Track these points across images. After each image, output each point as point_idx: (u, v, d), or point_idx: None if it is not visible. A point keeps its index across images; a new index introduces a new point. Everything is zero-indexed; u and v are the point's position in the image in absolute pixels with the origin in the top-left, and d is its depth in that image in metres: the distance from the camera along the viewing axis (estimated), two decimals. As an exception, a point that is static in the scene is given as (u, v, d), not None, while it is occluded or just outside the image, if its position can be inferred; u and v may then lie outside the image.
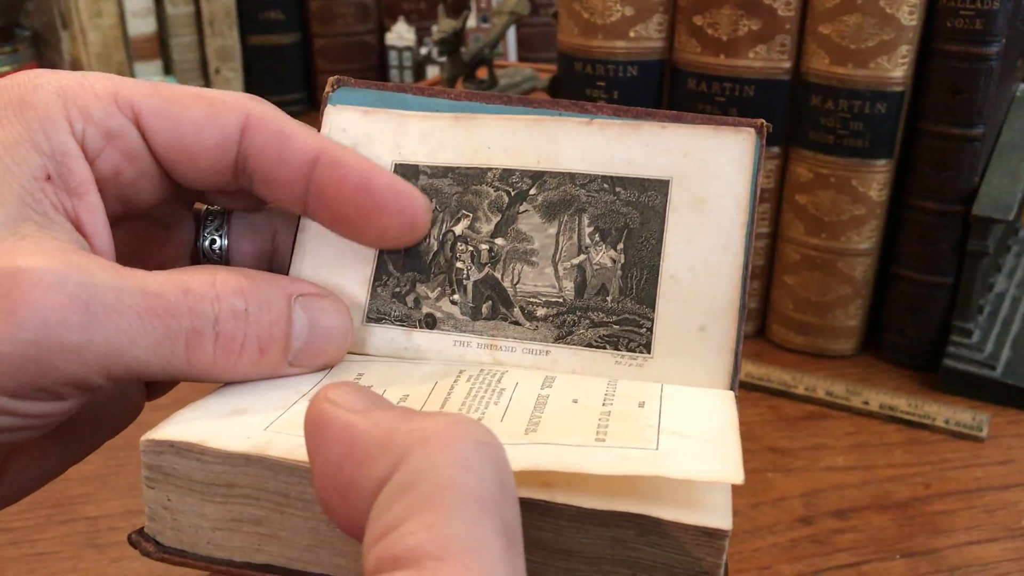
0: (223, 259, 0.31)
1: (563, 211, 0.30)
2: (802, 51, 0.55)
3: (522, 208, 0.30)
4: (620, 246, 0.29)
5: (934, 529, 0.45)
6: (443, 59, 0.85)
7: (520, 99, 0.31)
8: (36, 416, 0.24)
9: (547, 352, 0.29)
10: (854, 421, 0.53)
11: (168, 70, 1.04)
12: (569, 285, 0.29)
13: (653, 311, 0.28)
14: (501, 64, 0.89)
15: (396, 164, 0.30)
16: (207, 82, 1.07)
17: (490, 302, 0.29)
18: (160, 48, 1.03)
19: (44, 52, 0.98)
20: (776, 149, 0.57)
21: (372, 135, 0.31)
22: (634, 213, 0.29)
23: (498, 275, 0.29)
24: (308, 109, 1.10)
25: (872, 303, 0.59)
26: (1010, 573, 0.42)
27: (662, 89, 0.59)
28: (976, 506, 0.46)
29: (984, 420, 0.52)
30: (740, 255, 0.28)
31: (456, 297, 0.29)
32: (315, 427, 0.20)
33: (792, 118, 0.56)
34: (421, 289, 0.30)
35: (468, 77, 0.77)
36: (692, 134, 0.29)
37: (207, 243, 0.31)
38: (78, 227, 0.25)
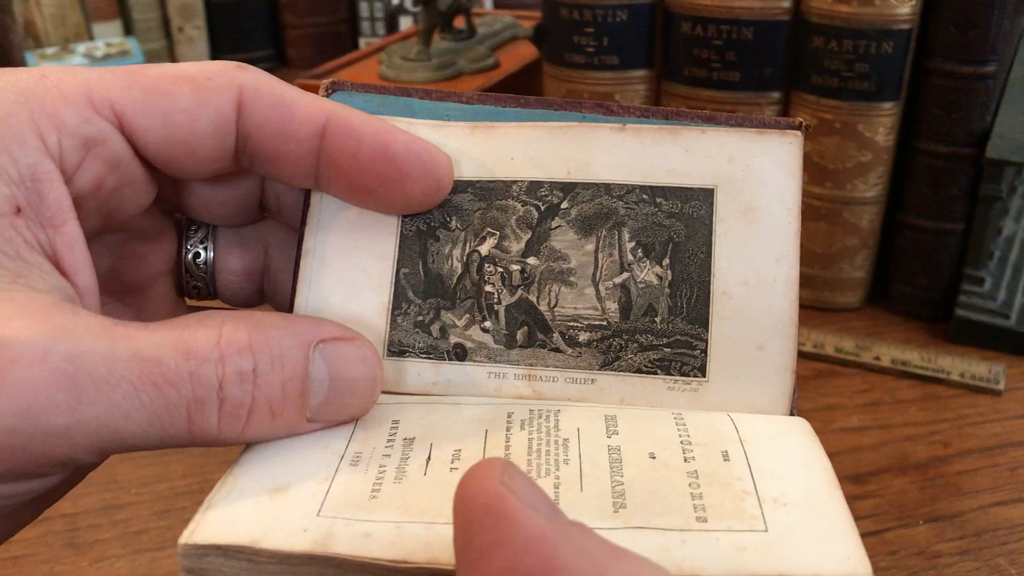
0: (208, 274, 0.27)
1: (600, 225, 0.27)
2: (802, -11, 0.52)
3: (554, 223, 0.27)
4: (666, 262, 0.27)
5: (957, 491, 0.43)
6: (417, 9, 0.81)
7: (537, 100, 0.28)
8: (14, 496, 0.21)
9: (592, 380, 0.27)
10: (866, 378, 0.51)
11: (128, 30, 0.99)
12: (613, 306, 0.27)
13: (707, 331, 0.26)
14: (479, 12, 0.85)
15: None
16: (170, 42, 1.02)
17: (526, 328, 0.27)
18: (118, 7, 0.98)
19: (-5, 15, 0.93)
20: (776, 95, 0.54)
21: None
22: (679, 225, 0.27)
23: (533, 298, 0.27)
24: (277, 66, 1.06)
25: (879, 253, 0.56)
26: (1039, 534, 0.40)
27: (654, 34, 0.56)
28: (999, 464, 0.44)
29: (1000, 372, 0.50)
30: (794, 267, 0.26)
31: (487, 324, 0.27)
32: (488, 519, 0.17)
33: (793, 61, 0.53)
34: (447, 317, 0.27)
35: (445, 27, 0.73)
36: (736, 138, 0.27)
37: (191, 256, 0.28)
38: (57, 264, 0.22)
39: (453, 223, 0.27)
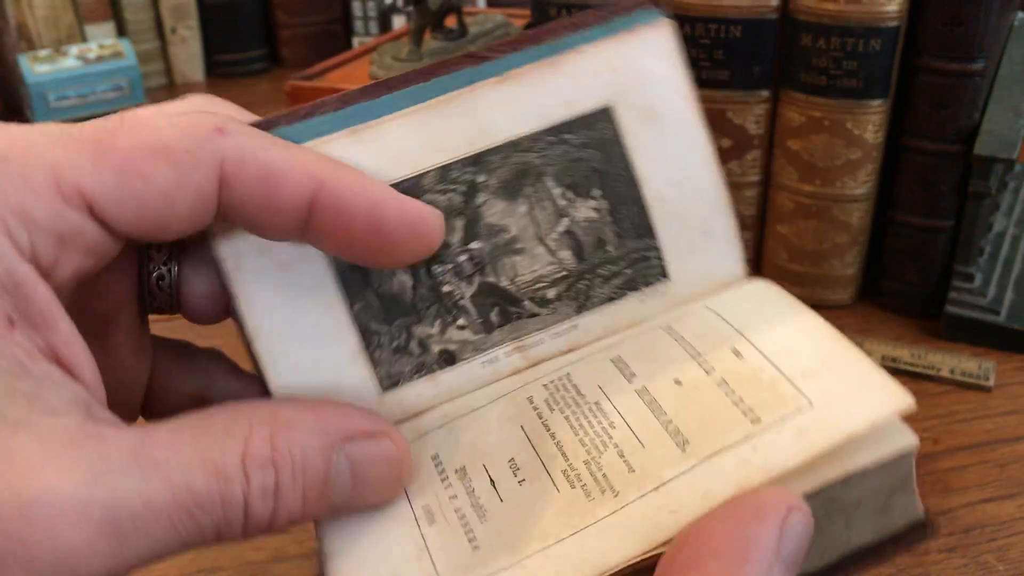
0: (172, 296, 0.26)
1: (523, 184, 0.27)
2: (790, -13, 0.52)
3: (480, 200, 0.27)
4: (596, 192, 0.27)
5: (945, 488, 0.43)
6: (409, 8, 0.81)
7: (402, 79, 0.26)
8: None
9: (575, 327, 0.27)
10: (856, 375, 0.51)
11: (121, 32, 0.99)
12: (566, 254, 0.27)
13: (655, 239, 0.27)
14: (470, 11, 0.85)
15: None
16: (163, 42, 1.02)
17: (497, 308, 0.27)
18: (111, 8, 0.98)
19: (-12, 17, 0.93)
20: (765, 93, 0.54)
21: None
22: (594, 153, 0.27)
23: (492, 279, 0.27)
24: (270, 66, 1.06)
25: (869, 250, 0.56)
26: (1027, 530, 0.40)
27: (643, 33, 0.56)
28: (988, 461, 0.44)
29: (990, 368, 0.50)
30: (707, 146, 0.27)
31: (461, 321, 0.27)
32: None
33: (781, 59, 0.53)
34: (419, 331, 0.27)
35: (436, 27, 0.73)
36: (613, 48, 0.27)
37: (155, 278, 0.26)
38: (61, 365, 0.21)
39: None
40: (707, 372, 0.25)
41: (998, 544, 0.40)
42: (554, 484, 0.24)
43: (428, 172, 0.26)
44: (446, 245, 0.26)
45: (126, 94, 0.92)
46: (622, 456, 0.24)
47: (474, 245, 0.27)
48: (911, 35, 0.51)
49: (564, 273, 0.27)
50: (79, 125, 0.23)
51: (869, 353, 0.51)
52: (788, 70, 0.53)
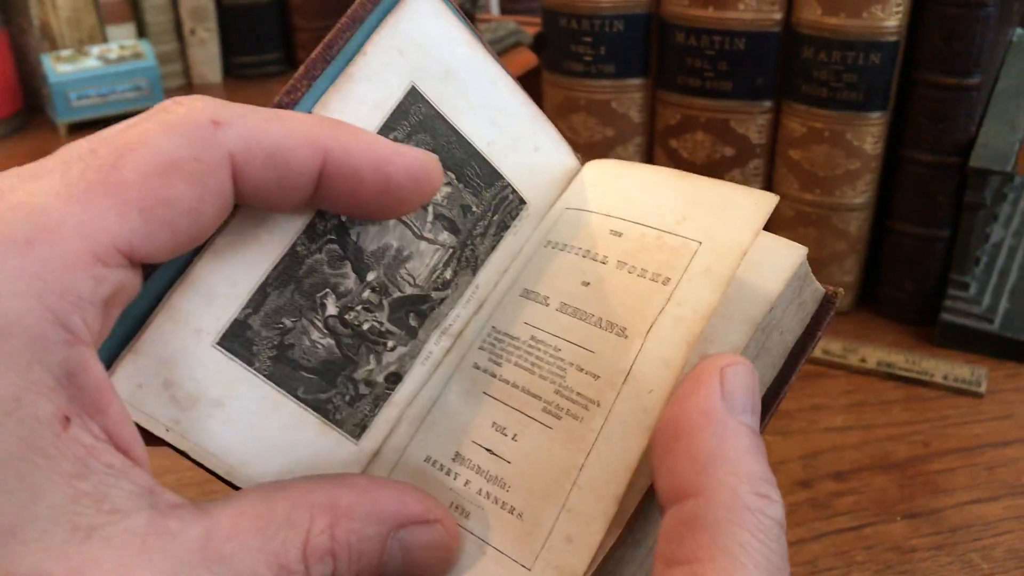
0: None
1: None
2: (793, 2, 0.53)
3: (353, 235, 0.27)
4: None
5: (935, 489, 0.44)
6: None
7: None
8: None
9: (476, 287, 0.29)
10: (852, 379, 0.52)
11: (141, 33, 1.01)
12: (445, 235, 0.28)
13: (503, 179, 0.29)
14: (484, 18, 0.87)
15: None
16: (182, 44, 1.04)
17: (412, 313, 0.28)
18: (132, 10, 1.00)
19: (12, 17, 0.95)
20: (768, 103, 0.56)
21: None
22: (423, 137, 0.28)
23: (397, 294, 0.28)
24: (287, 68, 1.08)
25: (867, 258, 0.58)
26: (1012, 531, 0.42)
27: (649, 44, 0.58)
28: (977, 464, 0.46)
29: (983, 375, 0.51)
30: (503, 74, 0.29)
31: (390, 343, 0.28)
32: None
33: (784, 71, 0.55)
34: (361, 374, 0.27)
35: (450, 34, 0.75)
36: (389, 32, 0.27)
37: None
38: (116, 446, 0.20)
39: (286, 321, 0.26)
40: (603, 263, 0.28)
41: (983, 544, 0.41)
42: (543, 425, 0.26)
43: (297, 239, 0.26)
44: (347, 291, 0.27)
45: (145, 94, 0.94)
46: (582, 370, 0.26)
47: (370, 276, 0.27)
48: (910, 50, 0.52)
49: (451, 251, 0.29)
50: (75, 165, 0.21)
51: (864, 358, 0.52)
52: (790, 82, 0.55)
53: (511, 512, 0.25)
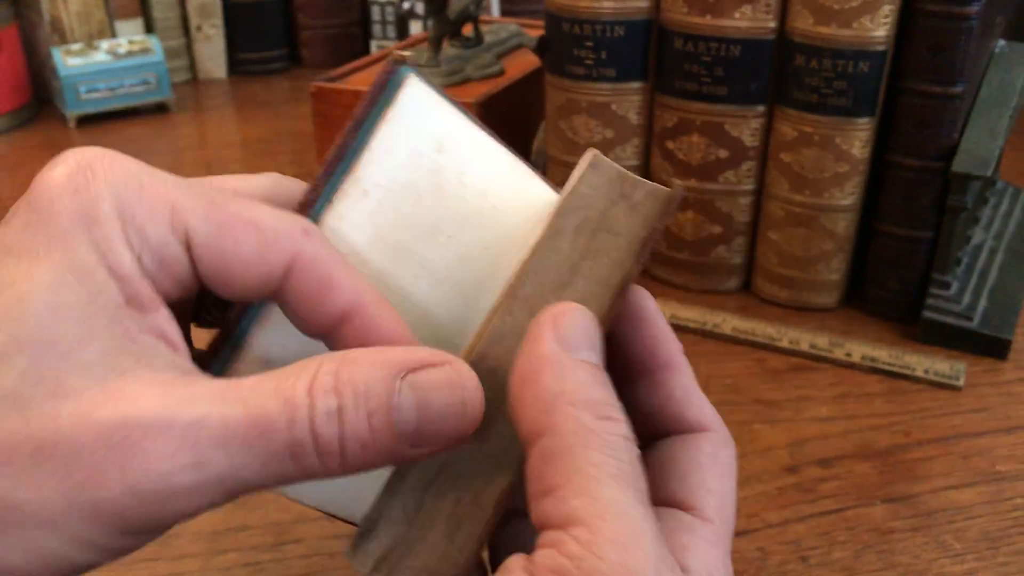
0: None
1: None
2: (787, 11, 0.56)
3: None
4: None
5: (913, 475, 0.47)
6: (426, 14, 0.85)
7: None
8: (139, 545, 0.24)
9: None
10: (837, 372, 0.55)
11: (149, 28, 1.03)
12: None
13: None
14: (486, 20, 0.89)
15: None
16: (188, 40, 1.06)
17: None
18: (140, 6, 1.02)
19: (23, 12, 0.97)
20: (761, 108, 0.58)
21: None
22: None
23: None
24: (291, 66, 1.10)
25: (854, 257, 0.60)
26: (984, 515, 0.44)
27: (649, 49, 0.60)
28: (953, 453, 0.48)
29: (961, 370, 0.54)
30: (490, 139, 0.30)
31: None
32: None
33: (777, 77, 0.57)
34: None
35: (454, 35, 0.77)
36: (387, 131, 0.29)
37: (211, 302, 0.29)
38: (164, 340, 0.24)
39: None
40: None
41: (957, 527, 0.44)
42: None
43: None
44: None
45: (153, 88, 0.96)
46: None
47: None
48: (897, 59, 0.55)
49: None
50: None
51: (849, 353, 0.55)
52: (783, 88, 0.57)
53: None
